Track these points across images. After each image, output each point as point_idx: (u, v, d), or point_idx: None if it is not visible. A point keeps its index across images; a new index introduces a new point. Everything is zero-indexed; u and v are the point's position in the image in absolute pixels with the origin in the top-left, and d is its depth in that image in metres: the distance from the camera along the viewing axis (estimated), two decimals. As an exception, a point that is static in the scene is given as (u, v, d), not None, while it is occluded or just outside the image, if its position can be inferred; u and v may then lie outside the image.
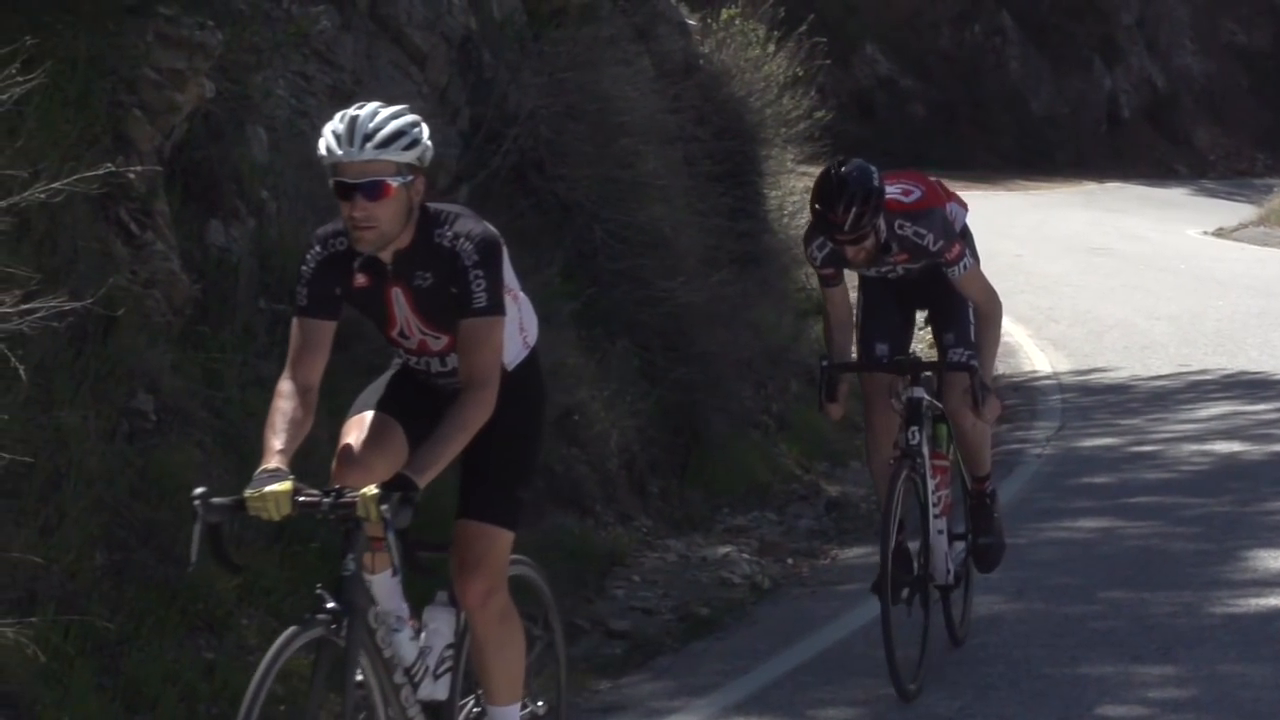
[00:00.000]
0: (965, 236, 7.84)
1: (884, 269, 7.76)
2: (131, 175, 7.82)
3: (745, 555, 10.73)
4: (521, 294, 5.80)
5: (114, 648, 6.87)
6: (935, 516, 7.80)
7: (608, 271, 11.98)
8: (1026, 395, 15.73)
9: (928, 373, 7.93)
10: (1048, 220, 28.08)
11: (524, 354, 5.78)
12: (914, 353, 8.01)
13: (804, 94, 16.72)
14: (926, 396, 7.78)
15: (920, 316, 8.41)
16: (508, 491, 5.75)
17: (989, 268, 22.28)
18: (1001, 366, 17.02)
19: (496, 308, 5.51)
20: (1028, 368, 17.00)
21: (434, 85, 11.70)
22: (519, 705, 5.87)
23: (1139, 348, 17.42)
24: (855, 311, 8.00)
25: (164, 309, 8.34)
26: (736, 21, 16.54)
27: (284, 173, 9.78)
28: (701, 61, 15.10)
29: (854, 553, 10.85)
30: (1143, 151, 38.38)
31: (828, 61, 18.27)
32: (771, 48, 16.62)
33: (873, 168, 7.43)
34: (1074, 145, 37.08)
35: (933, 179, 7.91)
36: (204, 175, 9.01)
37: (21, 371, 6.42)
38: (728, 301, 12.90)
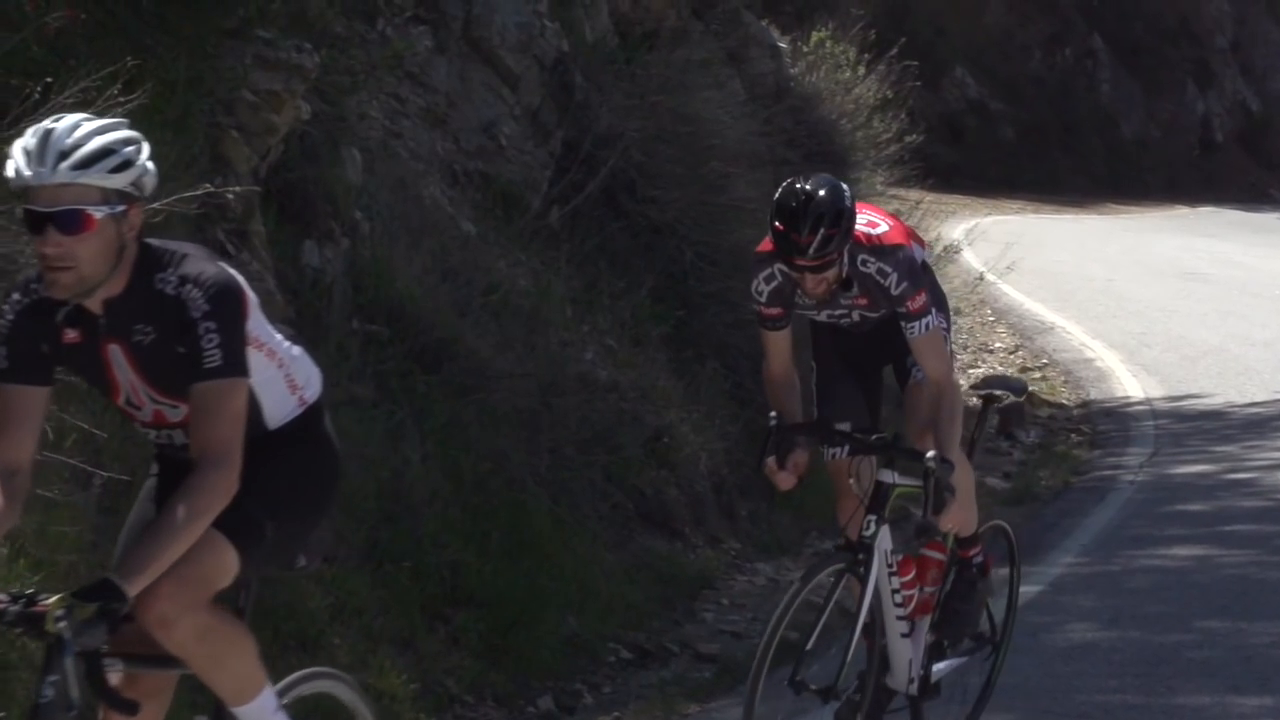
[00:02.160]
0: (935, 290, 6.65)
1: (837, 312, 6.60)
2: (229, 195, 7.89)
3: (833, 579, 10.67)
4: (286, 346, 4.87)
5: (208, 665, 6.90)
6: (899, 618, 6.69)
7: (698, 294, 11.98)
8: (1119, 421, 15.60)
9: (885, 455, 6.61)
10: (1139, 245, 27.84)
11: (298, 411, 4.87)
12: (892, 433, 6.69)
13: (894, 117, 16.69)
14: (899, 480, 6.55)
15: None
16: (249, 512, 4.66)
17: (1081, 292, 21.89)
18: (1093, 392, 16.91)
19: (234, 368, 4.53)
20: (1120, 393, 16.86)
21: (526, 107, 11.75)
22: (268, 688, 4.87)
23: (1233, 374, 17.23)
24: (814, 384, 6.87)
25: (259, 329, 8.41)
26: (827, 44, 16.53)
27: (378, 194, 9.86)
28: (792, 84, 15.10)
29: (944, 578, 10.76)
30: (1236, 176, 37.99)
31: (918, 84, 18.22)
32: (862, 70, 16.60)
33: (844, 185, 6.38)
34: (1166, 169, 36.76)
35: (893, 216, 6.83)
36: (299, 196, 9.09)
37: (120, 390, 6.46)
38: (817, 325, 12.85)
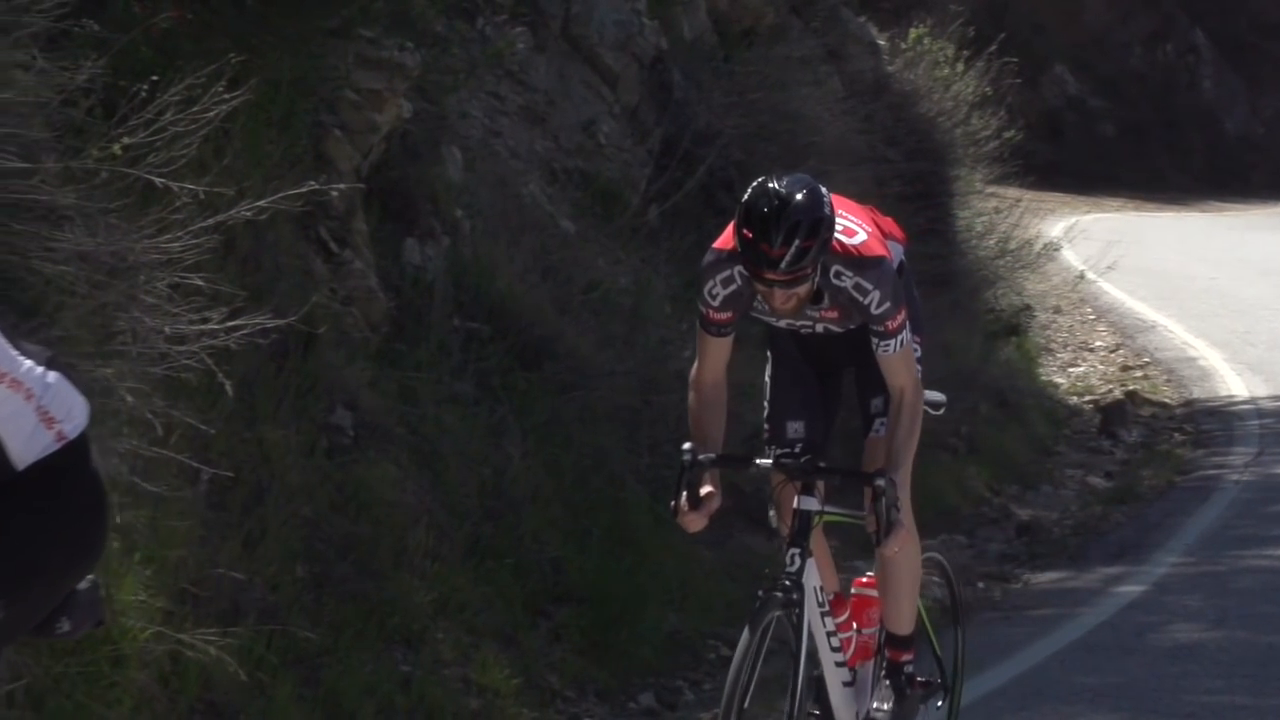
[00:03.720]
0: (911, 300, 5.84)
1: (800, 323, 5.79)
2: (334, 194, 7.95)
3: (935, 578, 10.61)
4: (39, 373, 4.02)
5: (314, 659, 6.98)
6: (837, 665, 5.90)
7: (797, 292, 11.94)
8: (1223, 420, 15.42)
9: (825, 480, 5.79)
10: (1243, 242, 27.49)
11: (55, 448, 4.03)
12: (807, 458, 5.81)
13: (993, 114, 16.57)
14: (825, 509, 5.79)
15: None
16: None
17: (1183, 291, 21.69)
18: (1196, 390, 16.72)
19: None
20: (1224, 392, 16.66)
21: (625, 105, 11.77)
22: None
23: (1340, 372, 16.99)
24: (764, 374, 6.07)
25: (362, 326, 8.47)
26: (925, 41, 16.43)
27: (478, 192, 9.90)
28: (891, 81, 15.03)
29: (1047, 577, 10.71)
30: (1341, 172, 37.41)
31: (1017, 81, 18.08)
32: (960, 67, 16.49)
33: (823, 189, 5.51)
34: (1270, 166, 36.27)
35: (869, 209, 5.96)
36: (400, 194, 9.15)
37: (228, 387, 6.54)
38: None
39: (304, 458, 7.55)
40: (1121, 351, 18.44)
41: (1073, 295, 19.71)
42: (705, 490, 5.61)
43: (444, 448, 8.43)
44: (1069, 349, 18.42)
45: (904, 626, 6.00)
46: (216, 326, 6.48)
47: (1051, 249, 17.32)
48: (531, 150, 10.79)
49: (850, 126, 13.13)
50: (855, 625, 6.02)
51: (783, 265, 5.39)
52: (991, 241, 15.79)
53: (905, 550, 5.85)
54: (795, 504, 5.67)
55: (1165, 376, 17.25)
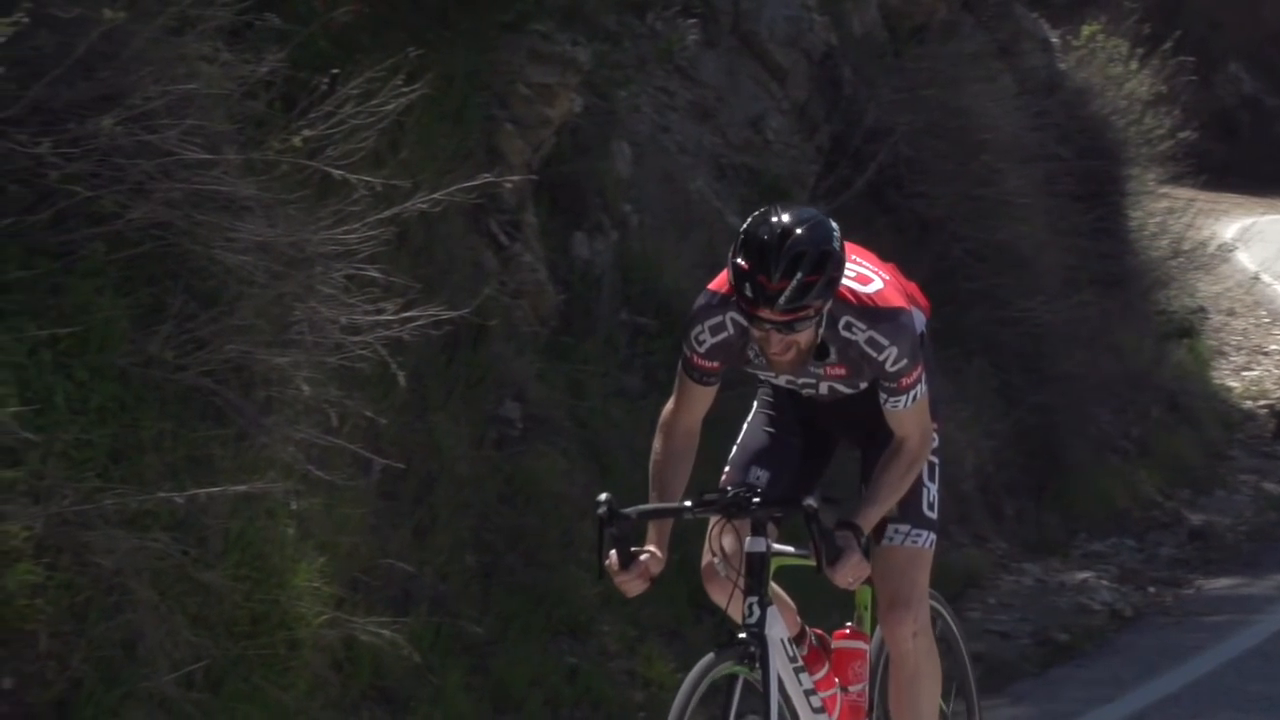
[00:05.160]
0: (928, 364, 5.25)
1: (802, 381, 5.13)
2: (506, 186, 8.01)
3: (1105, 582, 10.51)
4: None
5: (482, 649, 7.03)
6: None
7: (965, 290, 11.83)
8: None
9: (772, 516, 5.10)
10: None
11: None
12: (742, 489, 5.13)
13: (1166, 113, 16.31)
14: (778, 547, 5.15)
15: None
16: None
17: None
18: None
19: None
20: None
21: (794, 101, 11.73)
22: None
23: None
24: (746, 422, 5.40)
25: (530, 319, 8.53)
26: (1098, 38, 16.21)
27: (646, 187, 9.92)
28: (1064, 79, 14.86)
29: (1221, 583, 10.54)
30: None
31: (1192, 79, 17.77)
32: (1134, 65, 16.25)
33: (832, 224, 4.89)
34: None
35: (892, 266, 5.24)
36: (570, 188, 9.20)
37: (400, 378, 6.60)
38: (1088, 323, 12.66)
39: (473, 449, 7.62)
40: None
41: (1247, 298, 19.35)
42: (646, 549, 5.07)
43: (611, 441, 8.45)
44: (1243, 352, 18.08)
45: None
46: (390, 317, 6.55)
47: (1225, 250, 17.02)
48: (700, 146, 10.79)
49: (1022, 124, 12.99)
50: (839, 681, 5.39)
51: (781, 302, 4.77)
52: (1164, 242, 15.55)
53: (923, 667, 5.26)
54: (745, 547, 5.06)
55: (1343, 382, 16.88)
